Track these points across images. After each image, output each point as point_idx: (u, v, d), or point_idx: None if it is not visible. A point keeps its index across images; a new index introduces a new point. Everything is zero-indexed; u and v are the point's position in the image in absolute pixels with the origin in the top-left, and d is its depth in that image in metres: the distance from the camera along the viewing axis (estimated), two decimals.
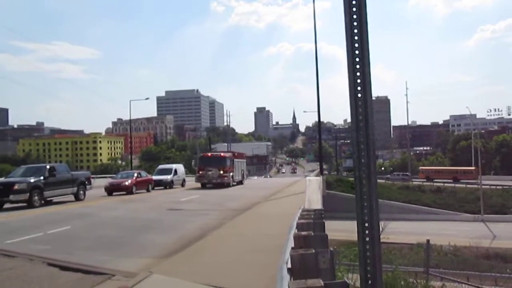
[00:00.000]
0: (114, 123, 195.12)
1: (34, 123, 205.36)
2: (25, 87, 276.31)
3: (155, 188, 28.25)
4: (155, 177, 29.83)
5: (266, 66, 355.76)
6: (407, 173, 66.55)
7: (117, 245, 9.42)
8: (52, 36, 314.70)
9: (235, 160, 32.71)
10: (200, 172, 29.99)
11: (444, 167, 74.81)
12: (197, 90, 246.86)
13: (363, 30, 2.51)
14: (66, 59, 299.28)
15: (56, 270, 7.16)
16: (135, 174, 27.08)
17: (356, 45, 2.47)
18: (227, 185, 29.38)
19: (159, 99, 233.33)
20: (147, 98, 66.49)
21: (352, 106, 2.46)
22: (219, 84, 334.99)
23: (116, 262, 7.68)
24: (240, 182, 33.93)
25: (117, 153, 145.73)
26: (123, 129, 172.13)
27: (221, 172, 29.25)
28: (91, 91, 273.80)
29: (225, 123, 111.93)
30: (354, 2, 2.45)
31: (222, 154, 32.86)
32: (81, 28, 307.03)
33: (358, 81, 2.46)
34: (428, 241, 16.98)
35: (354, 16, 2.46)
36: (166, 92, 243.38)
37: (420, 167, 73.71)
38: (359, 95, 2.44)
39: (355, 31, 2.48)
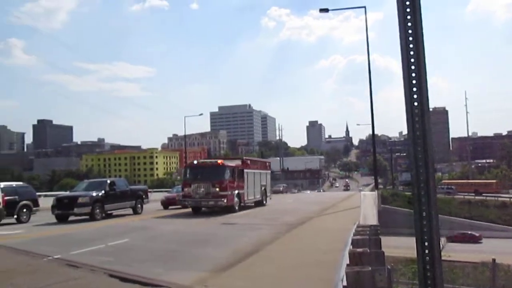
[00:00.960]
0: (169, 139, 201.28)
1: (96, 140, 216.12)
2: (87, 106, 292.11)
3: None
4: None
5: (318, 79, 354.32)
6: (452, 186, 63.51)
7: (173, 258, 9.63)
8: (112, 57, 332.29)
9: (246, 170, 22.61)
10: (186, 189, 20.42)
11: (465, 180, 73.25)
12: (250, 105, 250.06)
13: (419, 42, 2.44)
14: (124, 78, 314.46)
15: (117, 281, 7.42)
16: None
17: (412, 60, 2.40)
18: (230, 210, 20.10)
19: (212, 115, 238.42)
20: (201, 114, 68.92)
21: (409, 121, 2.39)
22: (271, 99, 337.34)
23: (172, 275, 7.85)
24: (260, 203, 24.61)
25: (172, 167, 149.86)
26: (178, 144, 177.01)
27: (217, 188, 19.62)
28: (147, 108, 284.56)
29: (277, 137, 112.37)
30: (409, 17, 2.39)
31: (219, 161, 21.92)
32: (138, 47, 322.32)
33: (415, 96, 2.39)
34: (494, 260, 16.02)
35: (410, 31, 2.40)
36: (219, 107, 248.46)
37: (443, 181, 72.06)
38: (416, 110, 2.37)
39: (411, 46, 2.41)
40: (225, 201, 19.67)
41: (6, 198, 15.14)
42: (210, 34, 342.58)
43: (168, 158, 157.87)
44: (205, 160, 24.65)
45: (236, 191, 20.89)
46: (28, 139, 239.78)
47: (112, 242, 11.57)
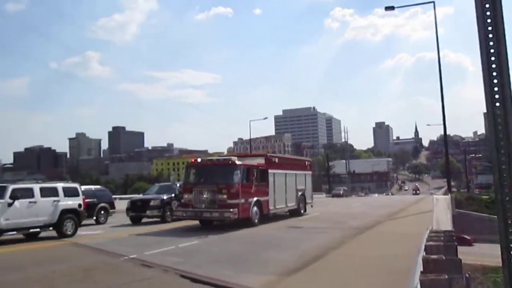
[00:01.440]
0: (235, 143, 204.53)
1: (165, 145, 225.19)
2: (157, 112, 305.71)
3: None
4: None
5: (384, 79, 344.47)
6: None
7: (240, 260, 9.76)
8: (179, 65, 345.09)
9: (272, 171, 17.90)
10: (185, 196, 16.20)
11: None
12: (314, 108, 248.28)
13: (500, 37, 2.27)
14: (190, 85, 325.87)
15: (188, 282, 7.66)
16: None
17: (493, 58, 2.26)
18: (246, 223, 15.82)
19: (276, 118, 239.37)
20: (265, 118, 68.62)
21: (491, 122, 2.25)
22: (336, 101, 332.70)
23: (240, 277, 7.97)
24: (296, 212, 20.21)
25: None
26: (244, 148, 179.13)
27: (224, 195, 15.19)
28: (213, 114, 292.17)
29: (343, 140, 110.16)
30: (488, 13, 2.25)
31: (229, 158, 16.87)
32: (204, 55, 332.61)
33: (496, 96, 2.24)
34: None
35: (489, 28, 2.25)
36: (284, 110, 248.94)
37: None
38: (498, 111, 2.22)
39: (491, 43, 2.26)
40: (234, 212, 15.00)
41: (86, 200, 16.23)
42: (274, 38, 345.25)
43: None
44: (212, 158, 18.41)
45: (255, 198, 16.33)
46: (104, 145, 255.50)
47: (182, 243, 11.96)
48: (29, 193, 13.60)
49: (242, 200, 15.55)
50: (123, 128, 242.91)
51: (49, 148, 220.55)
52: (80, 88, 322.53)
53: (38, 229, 13.86)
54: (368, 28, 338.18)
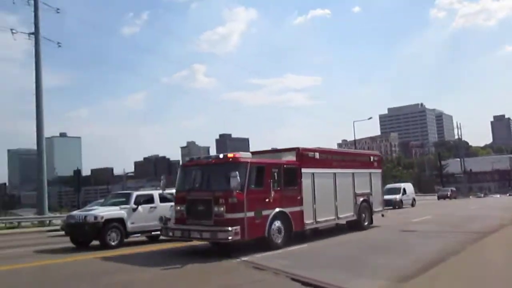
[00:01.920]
0: (339, 145, 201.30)
1: (269, 149, 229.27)
2: (260, 118, 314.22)
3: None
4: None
5: (501, 68, 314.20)
6: None
7: (351, 265, 9.55)
8: (280, 70, 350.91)
9: (307, 170, 13.28)
10: (178, 208, 12.12)
11: None
12: (421, 104, 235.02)
13: None
14: (292, 89, 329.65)
15: (298, 285, 7.68)
16: None
17: None
18: (265, 245, 11.46)
19: (381, 117, 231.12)
20: (370, 118, 65.95)
21: None
22: (446, 95, 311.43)
23: (352, 282, 7.80)
24: (357, 225, 15.59)
25: None
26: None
27: (222, 208, 10.86)
28: (316, 116, 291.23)
29: (456, 136, 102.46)
30: None
31: (232, 156, 11.59)
32: (304, 58, 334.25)
33: None
34: None
35: None
36: (389, 109, 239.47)
37: None
38: None
39: None
40: (235, 231, 10.61)
41: None
42: (375, 34, 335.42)
43: None
44: (211, 156, 12.92)
45: (276, 209, 11.82)
46: (213, 152, 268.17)
47: (291, 247, 11.95)
48: (149, 199, 14.88)
49: (250, 214, 11.09)
50: (229, 135, 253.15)
51: (164, 157, 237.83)
52: (189, 99, 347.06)
53: (158, 232, 15.02)
54: (479, 14, 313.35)
